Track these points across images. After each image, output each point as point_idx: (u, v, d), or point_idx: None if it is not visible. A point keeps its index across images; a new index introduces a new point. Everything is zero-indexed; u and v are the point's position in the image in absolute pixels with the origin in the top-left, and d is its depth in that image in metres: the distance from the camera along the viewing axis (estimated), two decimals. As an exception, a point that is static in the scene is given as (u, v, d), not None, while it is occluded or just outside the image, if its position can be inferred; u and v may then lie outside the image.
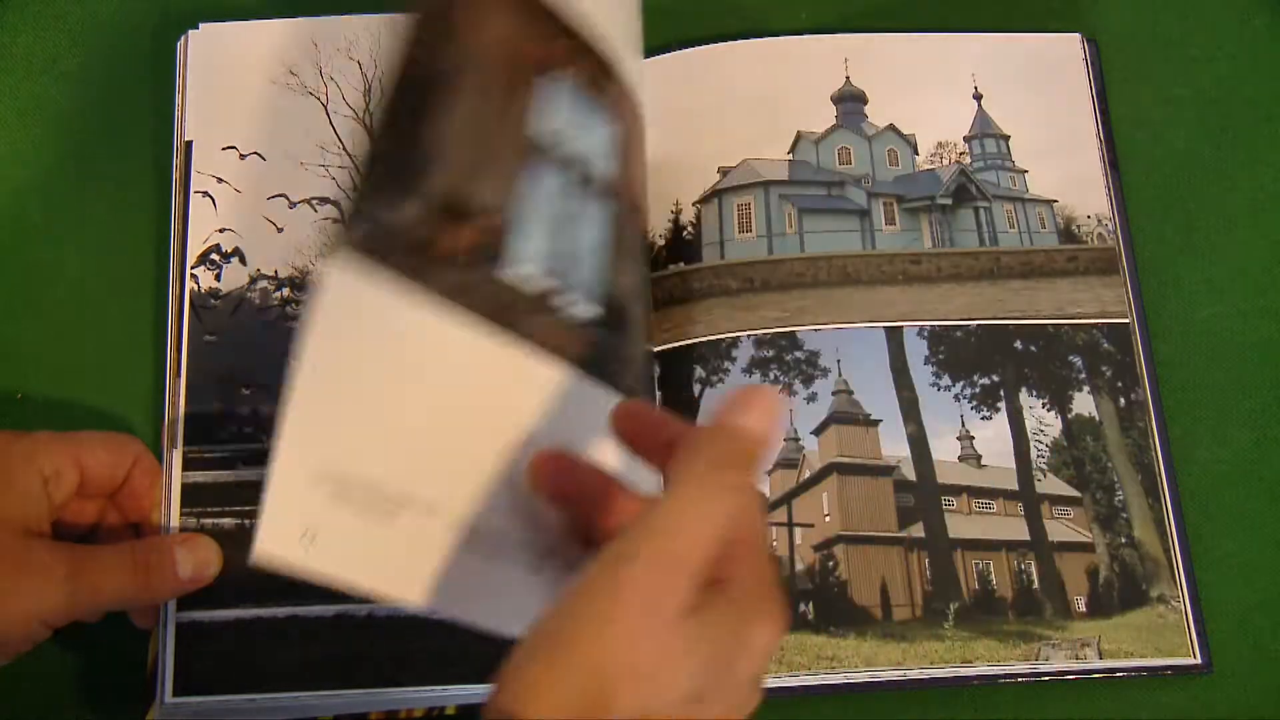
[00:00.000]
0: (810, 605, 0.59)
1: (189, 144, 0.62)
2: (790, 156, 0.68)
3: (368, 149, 0.50)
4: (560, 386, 0.52)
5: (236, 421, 0.62)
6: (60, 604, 0.51)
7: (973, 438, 0.62)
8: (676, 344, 0.64)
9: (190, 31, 0.65)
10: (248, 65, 0.65)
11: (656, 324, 0.64)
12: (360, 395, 0.50)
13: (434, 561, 0.51)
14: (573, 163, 0.55)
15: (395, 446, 0.50)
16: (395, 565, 0.51)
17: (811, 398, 0.63)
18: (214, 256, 0.64)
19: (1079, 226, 0.66)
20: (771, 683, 0.58)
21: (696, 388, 0.63)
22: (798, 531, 0.61)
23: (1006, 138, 0.68)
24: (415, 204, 0.50)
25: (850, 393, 0.63)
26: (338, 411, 0.50)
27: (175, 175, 0.63)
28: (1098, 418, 0.63)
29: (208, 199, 0.65)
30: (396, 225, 0.50)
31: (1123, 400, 0.63)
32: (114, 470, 0.56)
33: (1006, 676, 0.58)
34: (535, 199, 0.53)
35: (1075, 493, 0.62)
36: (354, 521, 0.50)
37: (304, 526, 0.49)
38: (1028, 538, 0.61)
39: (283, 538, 0.49)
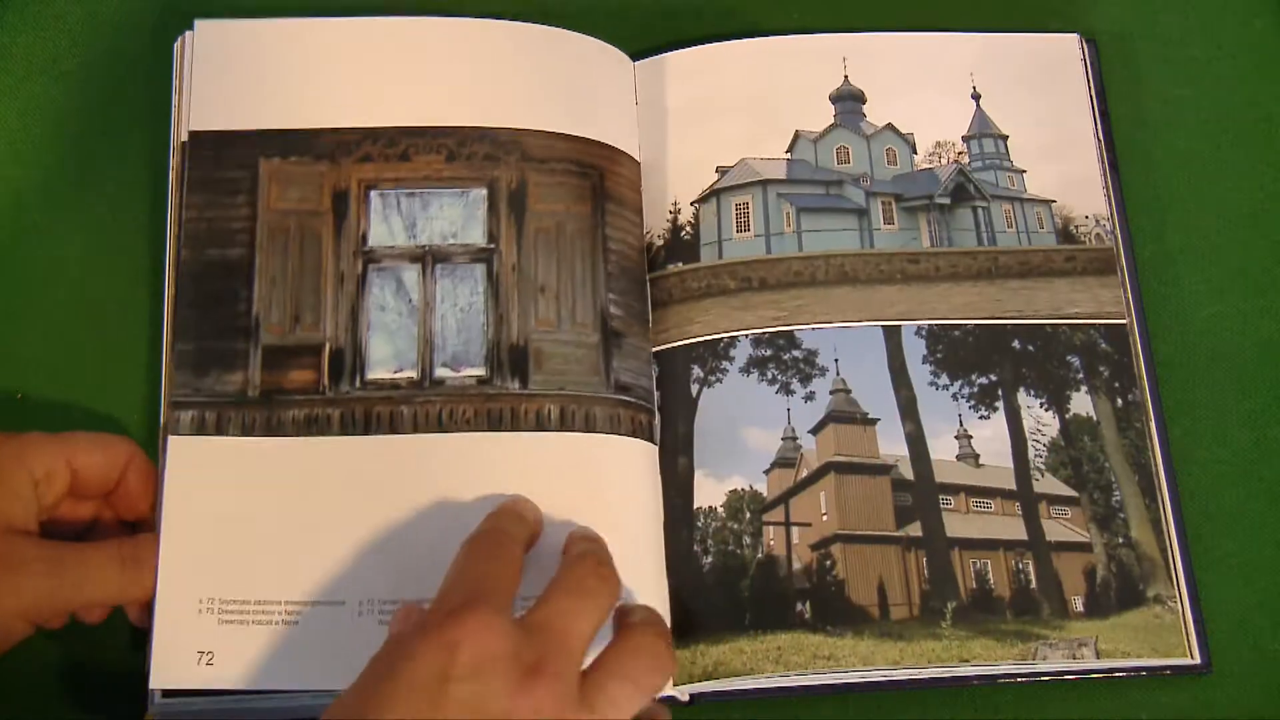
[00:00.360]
0: (807, 604, 0.59)
1: (184, 144, 0.63)
2: (788, 155, 0.68)
3: (184, 339, 0.60)
4: (453, 449, 0.59)
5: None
6: (41, 599, 0.51)
7: (970, 437, 0.62)
8: (675, 344, 0.64)
9: (188, 32, 0.65)
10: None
11: (655, 324, 0.64)
12: (233, 535, 0.57)
13: (346, 644, 0.56)
14: (421, 254, 0.62)
15: (280, 562, 0.57)
16: (305, 658, 0.56)
17: (809, 397, 0.63)
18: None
19: (1077, 227, 0.66)
20: (768, 683, 0.58)
21: (694, 388, 0.63)
22: (795, 531, 0.61)
23: (1005, 137, 0.68)
24: (241, 370, 0.60)
25: (848, 391, 0.63)
26: (213, 550, 0.57)
27: (172, 176, 0.63)
28: (1095, 418, 0.63)
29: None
30: (228, 394, 0.59)
31: (1120, 401, 0.63)
32: (107, 471, 0.56)
33: (1005, 677, 0.58)
34: (368, 312, 0.61)
35: (1073, 493, 0.62)
36: (254, 633, 0.56)
37: (199, 651, 0.56)
38: (1025, 537, 0.61)
39: (178, 665, 0.56)
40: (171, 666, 0.55)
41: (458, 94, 0.64)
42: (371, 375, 0.60)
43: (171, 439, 0.58)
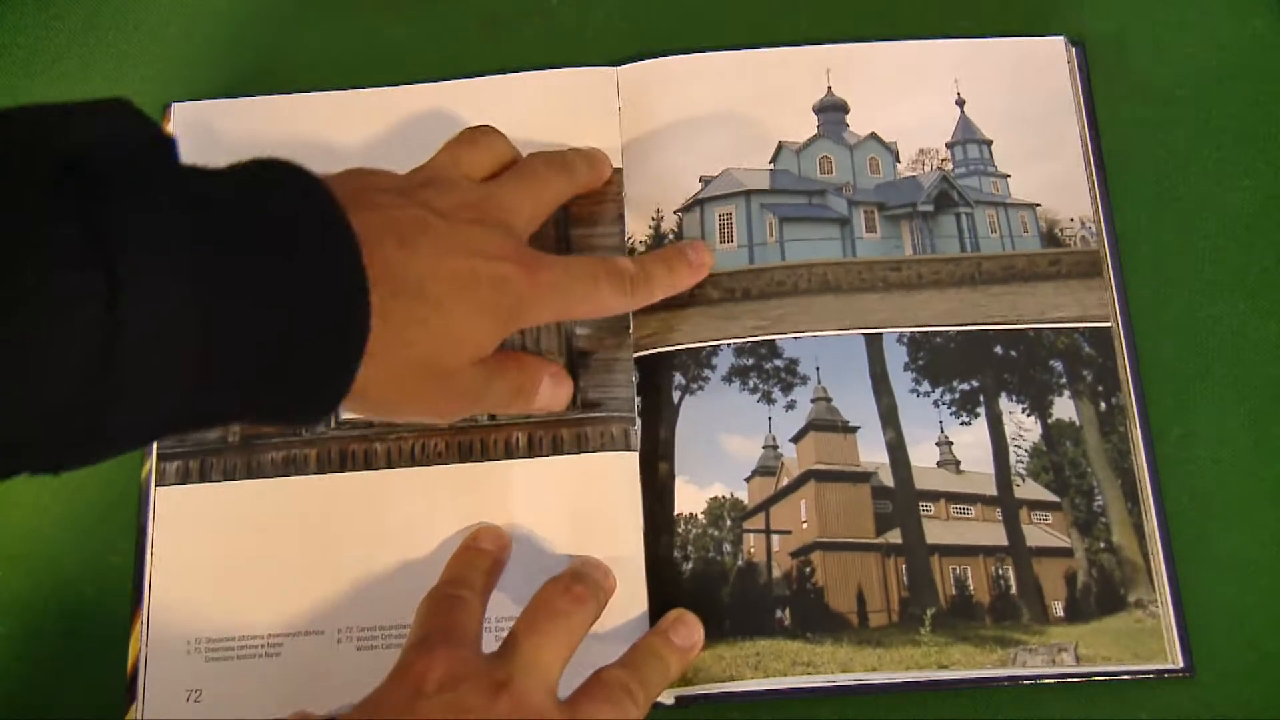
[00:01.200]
0: (787, 611, 0.60)
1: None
2: (772, 166, 0.68)
3: None
4: (426, 481, 0.62)
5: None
6: (462, 415, 0.59)
7: (951, 443, 0.62)
8: (656, 350, 0.64)
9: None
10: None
11: (637, 329, 0.65)
12: (218, 576, 0.61)
13: (326, 670, 0.59)
14: None
15: (262, 598, 0.60)
16: (287, 687, 0.59)
17: (790, 405, 0.63)
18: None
19: (1062, 230, 0.66)
20: (755, 686, 0.58)
21: (676, 395, 0.64)
22: (775, 538, 0.61)
23: (989, 142, 0.68)
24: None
25: (829, 400, 0.63)
26: (200, 592, 0.61)
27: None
28: (1078, 422, 0.63)
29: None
30: (210, 442, 0.63)
31: (1103, 404, 0.63)
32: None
33: (985, 682, 0.58)
34: None
35: (1054, 498, 0.61)
36: (239, 667, 0.59)
37: (187, 689, 0.59)
38: (1006, 543, 0.61)
39: (167, 705, 0.59)
40: (161, 707, 0.59)
41: (428, 153, 0.64)
42: (345, 415, 0.63)
43: (159, 490, 0.62)
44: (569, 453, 0.62)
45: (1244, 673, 0.59)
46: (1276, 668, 0.60)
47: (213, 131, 0.69)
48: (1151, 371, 0.64)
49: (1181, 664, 0.58)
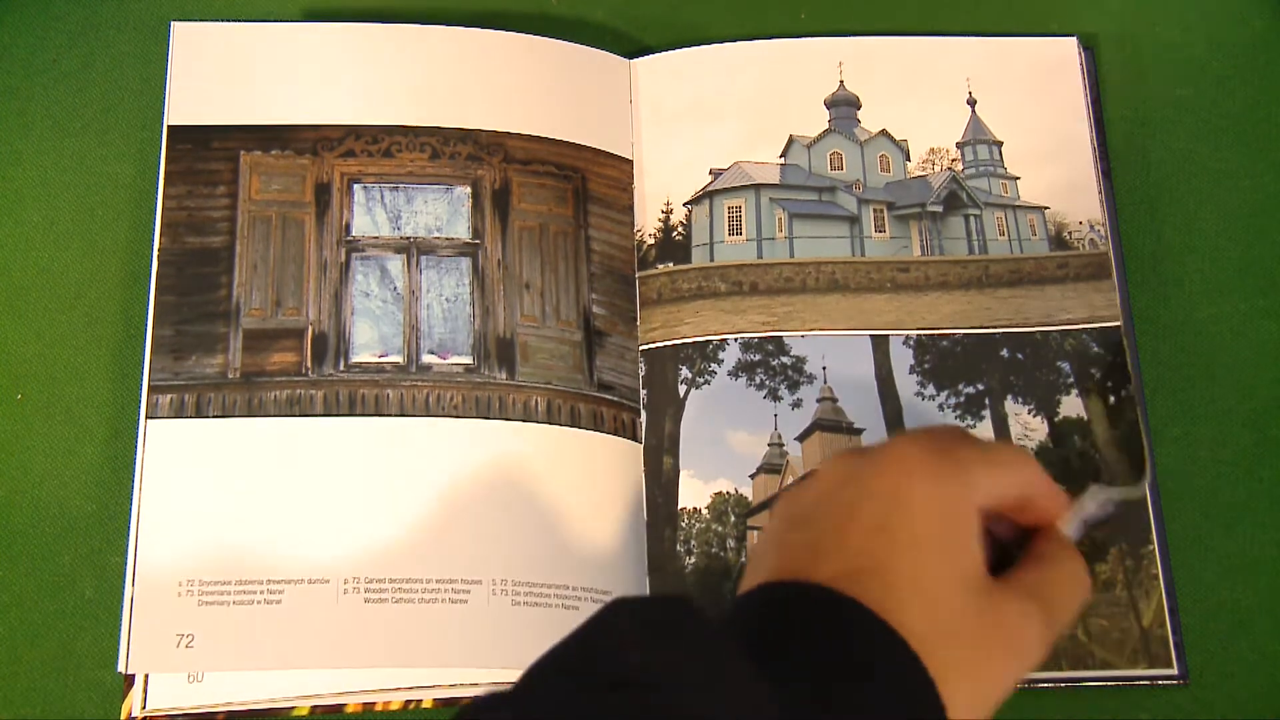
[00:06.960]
0: (789, 609, 0.59)
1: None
2: (782, 160, 0.68)
3: (162, 324, 0.62)
4: (441, 432, 0.61)
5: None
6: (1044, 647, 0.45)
7: (957, 445, 0.62)
8: (663, 343, 0.64)
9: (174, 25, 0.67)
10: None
11: (643, 323, 0.65)
12: (214, 516, 0.59)
13: (331, 622, 0.57)
14: (406, 245, 0.64)
15: (262, 541, 0.58)
16: (288, 637, 0.57)
17: (796, 404, 0.63)
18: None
19: (1070, 233, 0.66)
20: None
21: (682, 388, 0.63)
22: (779, 536, 0.61)
23: (999, 144, 0.68)
24: (221, 353, 0.61)
25: (835, 400, 0.63)
26: (193, 532, 0.58)
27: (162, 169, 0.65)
28: (1086, 417, 0.63)
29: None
30: (208, 376, 0.61)
31: (1112, 398, 0.63)
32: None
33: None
34: (352, 298, 0.63)
35: (1058, 501, 0.61)
36: (235, 613, 0.57)
37: (177, 634, 0.57)
38: (1009, 545, 0.61)
39: (156, 650, 0.57)
40: (149, 651, 0.56)
41: (440, 97, 0.65)
42: (356, 359, 0.62)
43: (150, 423, 0.60)
44: (586, 428, 0.62)
45: (1244, 674, 0.60)
46: (1277, 669, 0.60)
47: (214, 53, 0.66)
48: (1151, 372, 0.64)
49: (1176, 671, 0.58)
